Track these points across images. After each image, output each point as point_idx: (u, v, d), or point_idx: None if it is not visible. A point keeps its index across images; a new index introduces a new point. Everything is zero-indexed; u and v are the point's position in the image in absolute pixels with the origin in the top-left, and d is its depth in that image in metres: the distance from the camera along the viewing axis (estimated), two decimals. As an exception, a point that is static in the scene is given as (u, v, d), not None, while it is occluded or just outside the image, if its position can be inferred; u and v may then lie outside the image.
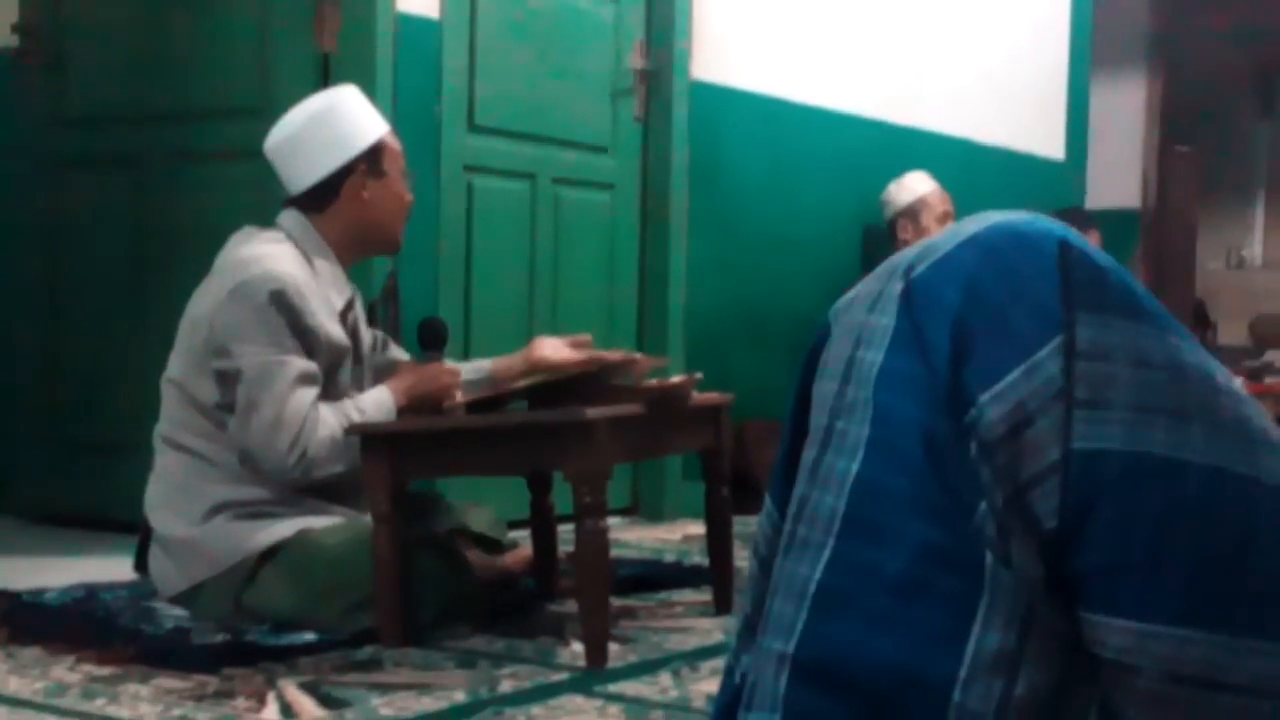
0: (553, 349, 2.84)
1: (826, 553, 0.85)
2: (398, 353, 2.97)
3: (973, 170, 5.48)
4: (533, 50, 4.06)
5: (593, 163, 4.29)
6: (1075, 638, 0.81)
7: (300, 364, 2.57)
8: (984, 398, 0.81)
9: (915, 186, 4.87)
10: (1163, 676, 0.79)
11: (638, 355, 2.99)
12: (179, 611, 2.60)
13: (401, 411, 2.69)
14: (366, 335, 2.87)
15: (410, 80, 3.65)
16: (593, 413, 2.36)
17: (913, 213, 4.84)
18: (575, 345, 2.86)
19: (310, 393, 2.58)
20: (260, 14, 3.64)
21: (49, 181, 3.96)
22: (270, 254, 2.63)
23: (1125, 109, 7.73)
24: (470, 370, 2.90)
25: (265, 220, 2.77)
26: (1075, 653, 0.81)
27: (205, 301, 2.64)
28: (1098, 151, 6.76)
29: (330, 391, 2.65)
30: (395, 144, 2.81)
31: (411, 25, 3.67)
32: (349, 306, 2.76)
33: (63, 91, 3.94)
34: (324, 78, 3.52)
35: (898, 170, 4.95)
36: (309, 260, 2.69)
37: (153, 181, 3.79)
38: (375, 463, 2.49)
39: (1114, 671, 0.80)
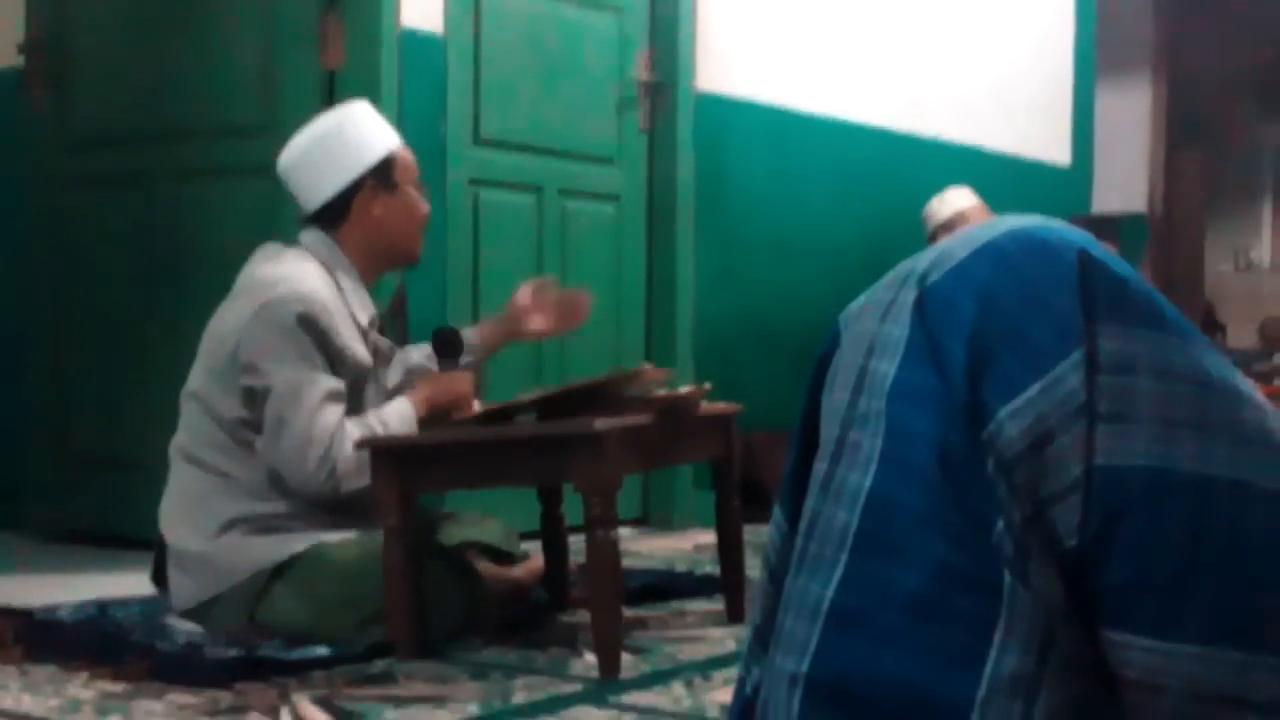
0: (523, 295, 3.01)
1: (839, 570, 0.83)
2: (415, 353, 2.97)
3: (979, 178, 5.46)
4: (537, 64, 4.07)
5: (599, 175, 4.30)
6: (1096, 659, 0.79)
7: (328, 382, 2.59)
8: (1002, 413, 0.79)
9: (956, 201, 4.86)
10: (1188, 696, 0.77)
11: (646, 366, 2.99)
12: (192, 627, 2.60)
13: (422, 422, 2.70)
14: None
15: (415, 96, 3.66)
16: (602, 424, 2.36)
17: (951, 227, 4.81)
18: (538, 289, 3.02)
19: (338, 410, 2.59)
20: (265, 32, 3.65)
21: (56, 200, 3.97)
22: (296, 273, 2.63)
23: (1131, 115, 7.73)
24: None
25: (270, 236, 2.77)
26: (1096, 674, 0.79)
27: (231, 317, 2.64)
28: (1104, 157, 6.76)
29: (354, 410, 2.66)
30: (407, 156, 2.81)
31: (416, 41, 3.68)
32: (372, 323, 2.77)
33: (69, 110, 3.95)
34: (329, 95, 3.52)
35: (904, 179, 4.95)
36: (334, 278, 2.69)
37: (159, 200, 3.80)
38: (385, 476, 2.49)
39: (1137, 692, 0.78)
